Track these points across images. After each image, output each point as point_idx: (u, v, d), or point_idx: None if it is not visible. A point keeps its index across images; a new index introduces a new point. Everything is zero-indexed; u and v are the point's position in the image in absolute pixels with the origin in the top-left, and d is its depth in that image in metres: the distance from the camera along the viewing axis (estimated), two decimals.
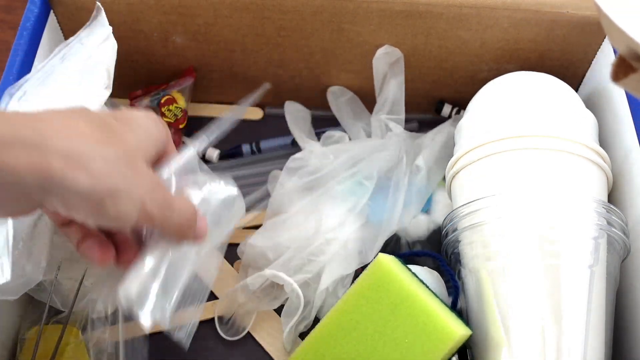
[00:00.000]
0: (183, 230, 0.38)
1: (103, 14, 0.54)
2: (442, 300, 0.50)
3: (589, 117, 0.56)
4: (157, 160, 0.39)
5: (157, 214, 0.35)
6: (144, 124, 0.37)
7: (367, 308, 0.49)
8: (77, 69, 0.53)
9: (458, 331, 0.47)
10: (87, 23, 0.55)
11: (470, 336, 0.50)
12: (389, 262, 0.50)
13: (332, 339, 0.50)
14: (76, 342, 0.53)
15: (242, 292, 0.57)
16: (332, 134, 0.66)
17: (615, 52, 0.59)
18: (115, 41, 0.54)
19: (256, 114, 0.70)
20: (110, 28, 0.54)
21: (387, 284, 0.49)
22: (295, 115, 0.68)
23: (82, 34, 0.54)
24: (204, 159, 0.67)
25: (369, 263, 0.57)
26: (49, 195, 0.32)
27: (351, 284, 0.55)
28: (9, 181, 0.31)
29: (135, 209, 0.34)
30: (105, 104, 0.52)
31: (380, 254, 0.51)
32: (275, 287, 0.56)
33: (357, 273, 0.56)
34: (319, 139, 0.66)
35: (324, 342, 0.51)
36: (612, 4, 0.29)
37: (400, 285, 0.49)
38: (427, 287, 0.50)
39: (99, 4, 0.55)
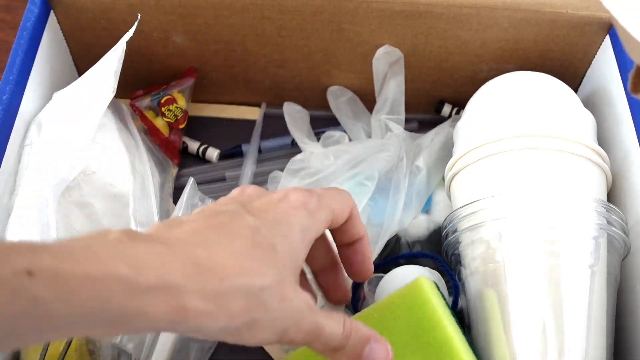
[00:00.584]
0: (347, 356, 0.35)
1: (136, 24, 0.55)
2: (464, 336, 0.47)
3: (588, 117, 0.56)
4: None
5: (301, 340, 0.33)
6: (296, 221, 0.33)
7: (391, 324, 0.46)
8: (89, 73, 0.53)
9: None
10: (129, 31, 0.55)
11: (473, 336, 0.50)
12: (427, 287, 0.46)
13: None
14: (78, 344, 0.53)
15: None
16: (332, 134, 0.66)
17: (615, 52, 0.59)
18: (125, 45, 0.54)
19: (256, 114, 0.70)
20: (131, 34, 0.54)
21: (420, 307, 0.46)
22: (294, 116, 0.68)
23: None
24: (204, 158, 0.67)
25: None
26: (178, 330, 0.29)
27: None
28: (139, 327, 0.28)
29: (276, 336, 0.31)
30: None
31: (421, 277, 0.47)
32: None
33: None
34: (318, 139, 0.66)
35: None
36: (629, 16, 0.29)
37: (433, 312, 0.45)
38: (454, 317, 0.47)
39: (139, 15, 0.55)
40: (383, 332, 0.43)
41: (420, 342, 0.45)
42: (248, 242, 0.30)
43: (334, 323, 0.34)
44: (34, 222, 0.51)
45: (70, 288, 0.25)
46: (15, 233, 0.51)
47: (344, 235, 0.41)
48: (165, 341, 0.54)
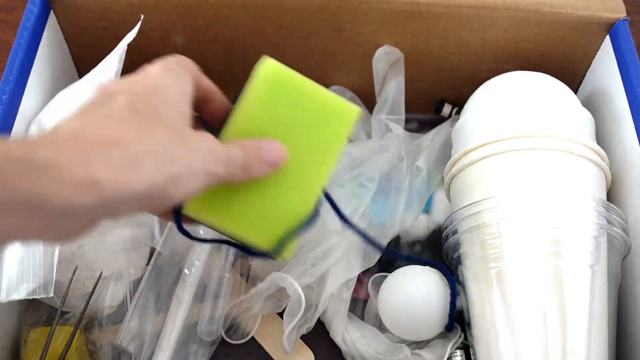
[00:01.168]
0: (255, 167, 0.38)
1: (138, 26, 0.55)
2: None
3: (586, 116, 0.56)
4: (201, 103, 0.39)
5: (225, 173, 0.35)
6: (166, 84, 0.34)
7: (268, 112, 0.48)
8: (90, 74, 0.53)
9: (356, 107, 0.49)
10: (131, 32, 0.55)
11: (474, 336, 0.50)
12: (275, 63, 0.49)
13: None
14: (78, 343, 0.53)
15: (251, 300, 0.57)
16: None
17: (615, 52, 0.59)
18: (126, 46, 0.54)
19: None
20: (134, 35, 0.54)
21: (282, 83, 0.48)
22: None
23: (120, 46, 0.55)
24: None
25: (372, 266, 0.57)
26: (104, 210, 0.29)
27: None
28: (55, 211, 0.27)
29: (202, 181, 0.33)
30: None
31: (266, 59, 0.49)
32: (281, 290, 0.56)
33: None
34: None
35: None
36: None
37: (295, 80, 0.48)
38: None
39: (142, 16, 0.56)
40: (265, 123, 0.47)
41: (301, 110, 0.48)
42: (129, 113, 0.31)
43: (233, 146, 0.37)
44: None
45: None
46: None
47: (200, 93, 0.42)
48: (166, 344, 0.54)
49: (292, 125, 0.49)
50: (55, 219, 0.28)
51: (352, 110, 0.49)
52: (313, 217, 0.48)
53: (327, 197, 0.51)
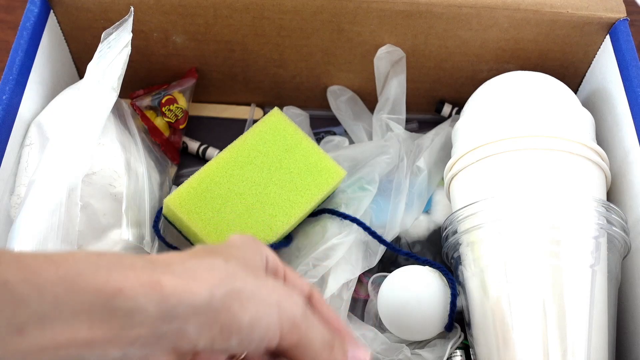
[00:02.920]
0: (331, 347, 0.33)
1: (131, 19, 0.54)
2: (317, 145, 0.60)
3: (586, 116, 0.56)
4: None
5: (302, 322, 0.31)
6: (244, 242, 0.34)
7: (264, 147, 0.57)
8: (97, 74, 0.53)
9: (343, 171, 0.58)
10: (117, 24, 0.55)
11: (474, 336, 0.50)
12: (283, 114, 0.59)
13: (229, 170, 0.56)
14: None
15: None
16: (332, 138, 0.66)
17: (615, 52, 0.59)
18: (130, 48, 0.54)
19: (256, 114, 0.70)
20: (131, 35, 0.54)
21: (283, 129, 0.58)
22: (294, 119, 0.68)
23: (111, 37, 0.55)
24: (204, 158, 0.67)
25: (373, 267, 0.57)
26: (172, 322, 0.28)
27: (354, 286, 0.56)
28: (120, 309, 0.27)
29: (274, 314, 0.30)
30: None
31: (275, 109, 0.59)
32: None
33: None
34: (318, 139, 0.67)
35: (220, 171, 0.56)
36: None
37: (295, 131, 0.58)
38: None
39: (132, 8, 0.55)
40: (257, 154, 0.57)
41: (292, 155, 0.57)
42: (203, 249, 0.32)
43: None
44: (42, 225, 0.51)
45: (33, 268, 0.25)
46: (24, 234, 0.51)
47: None
48: None
49: (281, 164, 0.57)
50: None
51: (339, 172, 0.58)
52: (279, 244, 0.56)
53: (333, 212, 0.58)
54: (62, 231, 0.52)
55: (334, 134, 0.68)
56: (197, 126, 0.69)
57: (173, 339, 0.28)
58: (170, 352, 0.28)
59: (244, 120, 0.70)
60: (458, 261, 0.53)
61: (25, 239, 0.52)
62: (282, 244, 0.56)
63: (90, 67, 0.55)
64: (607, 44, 0.60)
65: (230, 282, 0.29)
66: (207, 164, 0.57)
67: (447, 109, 0.69)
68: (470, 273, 0.52)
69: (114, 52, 0.54)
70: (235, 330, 0.29)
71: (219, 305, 0.29)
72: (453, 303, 0.53)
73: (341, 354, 0.34)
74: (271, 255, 0.36)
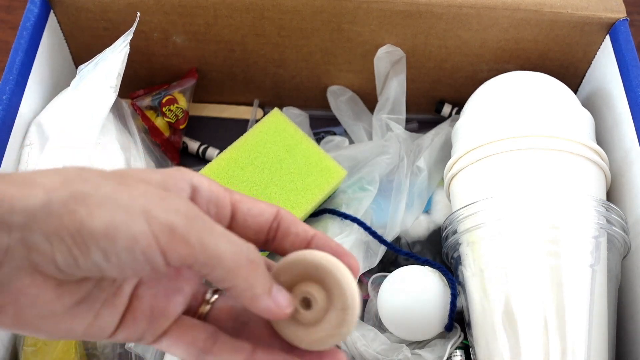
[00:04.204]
0: (242, 271, 0.28)
1: (136, 23, 0.55)
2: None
3: (586, 116, 0.56)
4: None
5: (191, 232, 0.26)
6: (166, 170, 0.30)
7: (264, 147, 0.57)
8: (97, 74, 0.53)
9: (343, 171, 0.58)
10: (128, 31, 0.55)
11: (474, 336, 0.50)
12: (282, 114, 0.60)
13: (229, 170, 0.56)
14: (77, 346, 0.52)
15: None
16: (331, 138, 0.66)
17: (615, 52, 0.59)
18: (129, 47, 0.54)
19: (257, 114, 0.70)
20: (131, 35, 0.54)
21: (283, 130, 0.58)
22: (294, 119, 0.68)
23: (118, 42, 0.55)
24: (204, 158, 0.67)
25: (374, 267, 0.57)
26: (10, 231, 0.25)
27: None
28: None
29: (139, 221, 0.25)
30: None
31: (275, 109, 0.60)
32: None
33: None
34: (318, 139, 0.67)
35: (221, 172, 0.56)
36: None
37: (295, 131, 0.59)
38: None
39: (138, 14, 0.55)
40: (258, 154, 0.57)
41: (294, 155, 0.58)
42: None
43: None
44: None
45: None
46: None
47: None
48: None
49: (281, 164, 0.57)
50: None
51: (340, 172, 0.58)
52: None
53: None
54: None
55: (334, 134, 0.68)
56: (197, 126, 0.69)
57: (23, 254, 0.25)
58: (34, 272, 0.26)
59: (244, 120, 0.70)
60: (458, 261, 0.53)
61: None
62: None
63: (83, 68, 0.55)
64: (607, 44, 0.60)
65: (73, 185, 0.26)
66: (208, 164, 0.57)
67: (447, 109, 0.69)
68: (470, 273, 0.52)
69: (113, 52, 0.54)
70: (90, 241, 0.25)
71: (60, 209, 0.25)
72: (453, 303, 0.53)
73: (263, 277, 0.29)
74: (206, 184, 0.30)
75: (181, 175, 0.30)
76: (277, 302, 0.29)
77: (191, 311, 0.32)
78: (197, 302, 0.33)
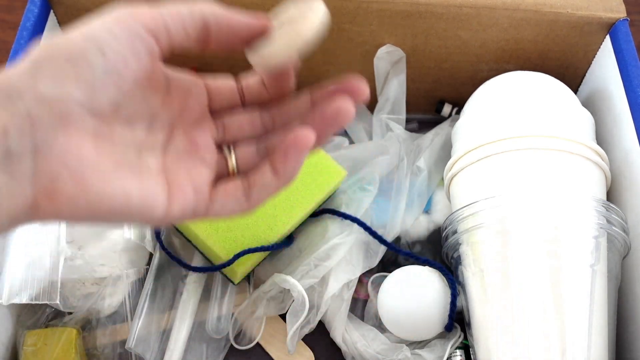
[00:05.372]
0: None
1: None
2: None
3: (586, 116, 0.56)
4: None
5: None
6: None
7: None
8: None
9: (343, 171, 0.57)
10: None
11: (474, 336, 0.50)
12: None
13: None
14: (77, 345, 0.52)
15: (256, 302, 0.57)
16: (332, 138, 0.66)
17: (615, 52, 0.59)
18: None
19: None
20: None
21: None
22: None
23: None
24: None
25: (374, 267, 0.57)
26: None
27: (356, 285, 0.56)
28: None
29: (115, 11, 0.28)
30: None
31: None
32: (283, 292, 0.56)
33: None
34: None
35: None
36: None
37: None
38: None
39: None
40: None
41: None
42: None
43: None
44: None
45: None
46: (24, 232, 0.52)
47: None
48: (174, 344, 0.54)
49: None
50: None
51: (340, 172, 0.58)
52: (280, 244, 0.56)
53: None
54: (64, 230, 0.52)
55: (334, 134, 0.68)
56: None
57: (45, 110, 0.26)
58: (66, 127, 0.27)
59: None
60: (458, 261, 0.53)
61: (25, 238, 0.52)
62: (284, 244, 0.56)
63: None
64: (607, 44, 0.60)
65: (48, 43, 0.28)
66: None
67: (447, 109, 0.69)
68: (470, 273, 0.52)
69: None
70: (85, 44, 0.27)
71: (44, 54, 0.27)
72: (453, 303, 0.53)
73: None
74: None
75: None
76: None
77: (223, 174, 0.34)
78: (223, 166, 0.34)
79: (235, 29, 0.32)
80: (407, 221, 0.59)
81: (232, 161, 0.34)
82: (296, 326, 0.54)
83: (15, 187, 0.26)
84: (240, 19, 0.32)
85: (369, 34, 0.62)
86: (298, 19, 0.30)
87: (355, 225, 0.57)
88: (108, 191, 0.28)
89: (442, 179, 0.61)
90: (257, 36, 0.32)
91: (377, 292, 0.56)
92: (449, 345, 0.54)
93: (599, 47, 0.62)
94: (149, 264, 0.57)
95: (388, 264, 0.59)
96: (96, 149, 0.28)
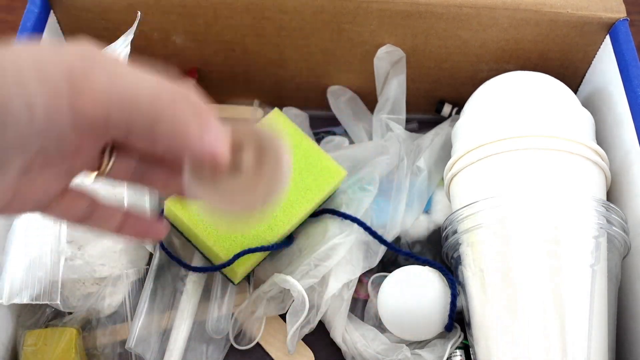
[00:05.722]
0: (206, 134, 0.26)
1: (137, 23, 0.55)
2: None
3: (586, 116, 0.56)
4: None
5: (82, 70, 0.24)
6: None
7: None
8: None
9: (343, 171, 0.58)
10: (128, 31, 0.55)
11: (474, 336, 0.50)
12: (283, 114, 0.59)
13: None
14: (77, 345, 0.52)
15: (256, 302, 0.57)
16: (332, 138, 0.66)
17: (615, 52, 0.59)
18: (130, 47, 0.54)
19: (256, 113, 0.70)
20: (132, 35, 0.54)
21: (284, 129, 0.58)
22: (293, 120, 0.68)
23: (118, 42, 0.55)
24: None
25: (374, 267, 0.57)
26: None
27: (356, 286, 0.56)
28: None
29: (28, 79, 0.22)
30: None
31: (275, 109, 0.59)
32: (283, 292, 0.57)
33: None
34: (318, 139, 0.67)
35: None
36: None
37: (295, 131, 0.58)
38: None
39: (140, 13, 0.55)
40: None
41: (294, 156, 0.56)
42: None
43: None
44: (41, 223, 0.51)
45: None
46: (24, 232, 0.52)
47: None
48: (174, 344, 0.54)
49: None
50: None
51: (340, 172, 0.58)
52: (280, 244, 0.56)
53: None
54: (64, 230, 0.52)
55: (334, 134, 0.68)
56: None
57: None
58: None
59: (244, 120, 0.70)
60: (458, 261, 0.53)
61: (25, 237, 0.52)
62: (284, 244, 0.56)
63: None
64: (607, 44, 0.60)
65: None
66: None
67: (447, 109, 0.69)
68: (470, 273, 0.52)
69: (113, 52, 0.54)
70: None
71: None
72: (453, 303, 0.53)
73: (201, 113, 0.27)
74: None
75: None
76: (217, 139, 0.26)
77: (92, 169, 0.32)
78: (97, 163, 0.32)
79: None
80: (407, 221, 0.59)
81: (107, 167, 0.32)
82: (296, 326, 0.54)
83: None
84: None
85: (369, 34, 0.62)
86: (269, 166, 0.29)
87: (355, 225, 0.57)
88: None
89: (442, 179, 0.61)
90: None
91: (377, 292, 0.56)
92: (449, 345, 0.54)
93: (599, 47, 0.62)
94: (149, 264, 0.57)
95: (388, 264, 0.59)
96: None
